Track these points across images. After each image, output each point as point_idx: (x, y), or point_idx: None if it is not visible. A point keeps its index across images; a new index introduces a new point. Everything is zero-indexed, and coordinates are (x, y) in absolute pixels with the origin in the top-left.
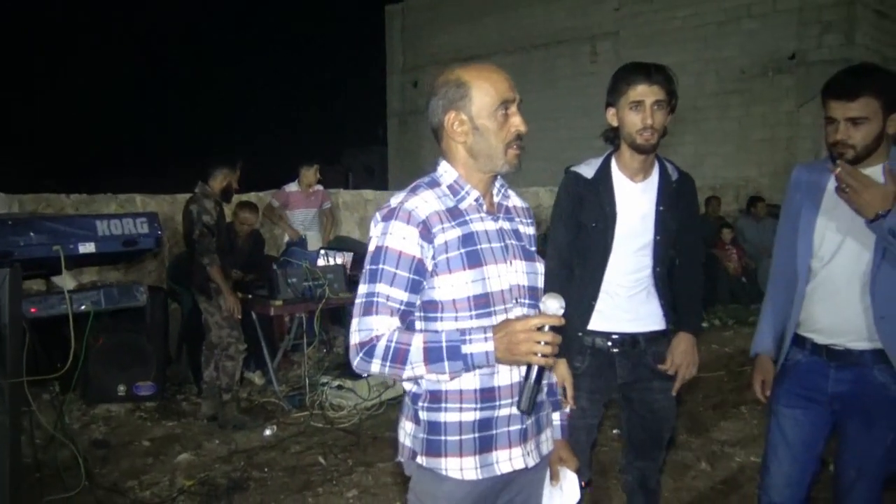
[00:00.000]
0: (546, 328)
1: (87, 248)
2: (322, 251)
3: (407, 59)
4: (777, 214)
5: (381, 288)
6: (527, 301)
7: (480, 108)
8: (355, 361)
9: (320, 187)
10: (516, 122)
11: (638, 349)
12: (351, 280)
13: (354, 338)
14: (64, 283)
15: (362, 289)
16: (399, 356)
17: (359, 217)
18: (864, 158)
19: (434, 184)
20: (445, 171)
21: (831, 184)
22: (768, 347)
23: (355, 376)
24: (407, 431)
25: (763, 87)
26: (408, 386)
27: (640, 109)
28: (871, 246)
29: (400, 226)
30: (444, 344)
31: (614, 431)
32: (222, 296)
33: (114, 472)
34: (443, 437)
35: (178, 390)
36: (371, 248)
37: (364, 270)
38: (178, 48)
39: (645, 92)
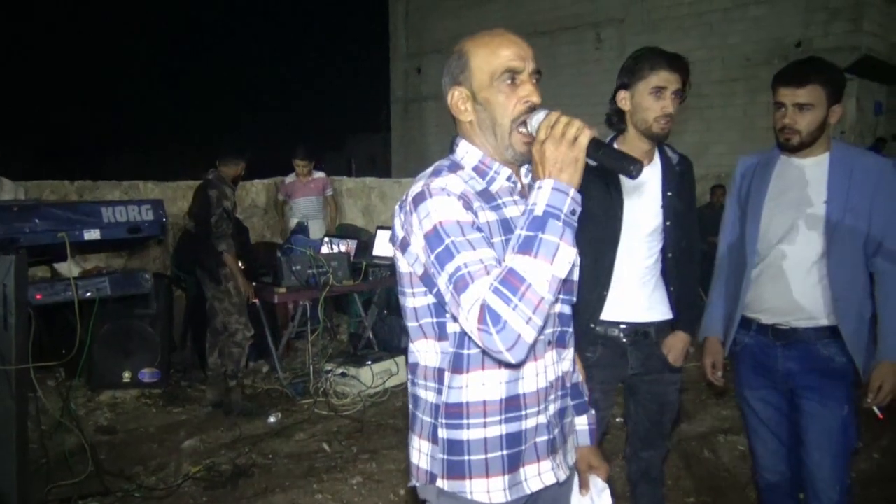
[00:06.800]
0: (559, 120)
1: (93, 234)
2: (326, 239)
3: (410, 46)
4: None
5: (462, 258)
6: (560, 295)
7: (481, 79)
8: (492, 341)
9: (321, 174)
10: (525, 92)
11: (650, 340)
12: (354, 268)
13: (471, 323)
14: (69, 270)
15: (443, 278)
16: (512, 281)
17: (362, 204)
18: (809, 145)
19: (456, 167)
20: (467, 153)
21: (778, 169)
22: (717, 330)
23: (359, 364)
24: (423, 452)
25: (769, 74)
26: (424, 396)
27: (661, 96)
28: (820, 230)
29: (439, 199)
30: (523, 232)
31: (618, 420)
32: (232, 282)
33: (120, 458)
34: (466, 458)
35: (183, 377)
36: (420, 242)
37: (431, 263)
38: (179, 34)
39: (668, 79)
